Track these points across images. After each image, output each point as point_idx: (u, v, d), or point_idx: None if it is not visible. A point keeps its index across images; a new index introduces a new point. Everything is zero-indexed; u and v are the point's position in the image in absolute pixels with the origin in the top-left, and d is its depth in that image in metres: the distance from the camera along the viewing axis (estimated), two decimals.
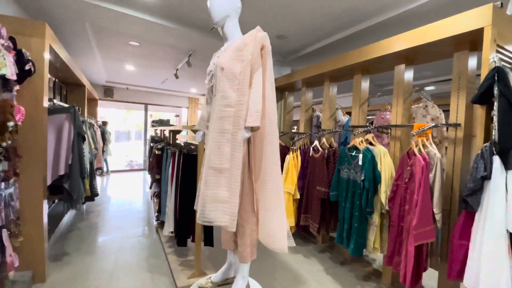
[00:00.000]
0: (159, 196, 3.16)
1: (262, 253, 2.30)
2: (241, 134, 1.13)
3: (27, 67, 1.61)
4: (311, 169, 2.63)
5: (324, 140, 2.60)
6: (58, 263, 2.29)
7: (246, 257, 1.29)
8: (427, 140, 1.74)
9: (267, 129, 1.15)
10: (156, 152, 3.14)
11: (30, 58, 1.68)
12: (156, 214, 3.19)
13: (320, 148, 2.54)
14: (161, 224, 2.82)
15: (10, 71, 1.37)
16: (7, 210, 1.48)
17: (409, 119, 2.14)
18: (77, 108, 2.47)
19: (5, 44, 1.43)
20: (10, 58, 1.43)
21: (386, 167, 1.97)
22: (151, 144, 4.79)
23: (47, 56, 1.96)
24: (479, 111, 1.50)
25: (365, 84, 2.47)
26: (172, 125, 5.49)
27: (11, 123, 1.35)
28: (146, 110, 7.32)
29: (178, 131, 3.20)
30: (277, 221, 1.16)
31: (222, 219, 1.10)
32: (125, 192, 5.02)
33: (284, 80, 3.39)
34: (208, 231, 2.16)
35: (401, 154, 1.95)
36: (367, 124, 2.49)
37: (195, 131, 1.74)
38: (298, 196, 2.69)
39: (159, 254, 2.54)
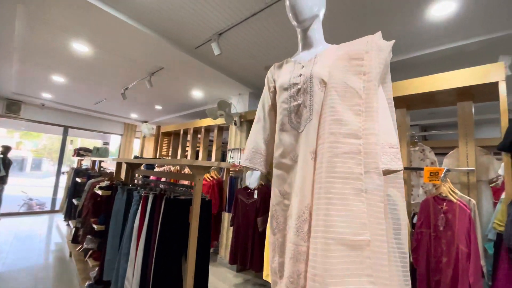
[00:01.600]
0: (99, 255, 2.23)
1: None
2: (379, 181, 0.74)
3: None
4: None
5: None
6: None
7: None
8: (443, 184, 1.71)
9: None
10: (100, 192, 2.29)
11: None
12: (91, 283, 2.20)
13: None
14: None
15: None
16: None
17: (408, 162, 2.16)
18: None
19: None
20: None
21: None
22: (77, 180, 3.64)
23: None
24: (505, 159, 1.55)
25: None
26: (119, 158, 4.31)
27: None
28: (65, 134, 5.79)
29: (138, 165, 2.45)
30: None
31: None
32: (20, 249, 3.50)
33: None
34: None
35: (422, 199, 1.87)
36: None
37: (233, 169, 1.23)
38: None
39: None
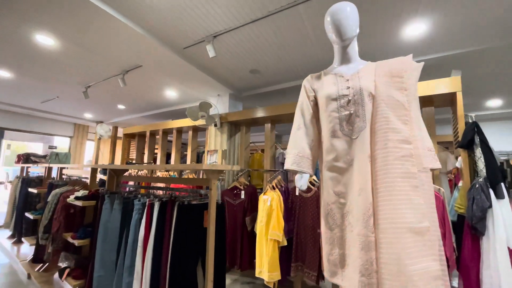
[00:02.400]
0: (80, 273, 2.02)
1: None
2: (429, 178, 0.91)
3: None
4: (301, 210, 2.49)
5: (314, 178, 2.56)
6: None
7: None
8: None
9: None
10: (80, 203, 2.06)
11: None
12: None
13: (312, 187, 2.47)
14: None
15: None
16: None
17: None
18: None
19: None
20: None
21: None
22: (31, 190, 3.16)
23: None
24: (463, 154, 1.93)
25: None
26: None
27: None
28: (0, 137, 4.89)
29: (124, 171, 2.27)
30: None
31: None
32: None
33: (243, 115, 3.23)
34: None
35: None
36: None
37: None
38: (285, 243, 2.43)
39: None
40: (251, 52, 2.47)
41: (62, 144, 6.49)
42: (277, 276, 2.36)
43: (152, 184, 2.89)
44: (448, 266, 1.73)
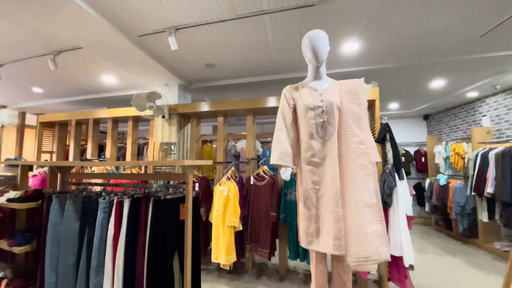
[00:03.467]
0: (22, 283, 1.79)
1: None
2: (375, 169, 1.22)
3: None
4: (255, 197, 2.76)
5: (265, 168, 2.85)
6: None
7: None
8: None
9: None
10: (17, 206, 1.78)
11: None
12: None
13: (266, 176, 2.76)
14: None
15: None
16: None
17: None
18: None
19: None
20: None
21: None
22: None
23: None
24: (378, 147, 2.53)
25: None
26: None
27: None
28: None
29: (70, 168, 2.01)
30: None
31: (385, 252, 1.11)
32: None
33: (194, 108, 3.25)
34: None
35: None
36: None
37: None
38: (241, 228, 2.67)
39: None
40: (211, 48, 2.52)
41: None
42: (233, 258, 2.60)
43: (93, 181, 2.62)
44: None
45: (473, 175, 3.48)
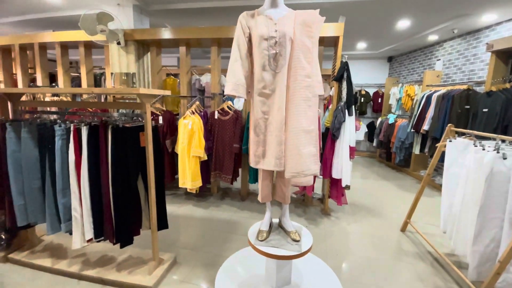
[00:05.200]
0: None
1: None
2: (317, 101, 1.34)
3: None
4: (220, 131, 2.90)
5: (229, 103, 2.92)
6: None
7: (289, 199, 1.62)
8: None
9: None
10: None
11: None
12: None
13: (230, 111, 2.85)
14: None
15: None
16: None
17: None
18: None
19: None
20: None
21: None
22: None
23: None
24: (335, 85, 2.69)
25: None
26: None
27: None
28: None
29: (20, 95, 1.88)
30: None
31: (315, 168, 1.34)
32: None
33: (152, 34, 2.99)
34: (163, 213, 1.91)
35: None
36: None
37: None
38: (206, 158, 2.88)
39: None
40: None
41: None
42: (199, 183, 2.88)
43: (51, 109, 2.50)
44: None
45: (415, 114, 3.93)
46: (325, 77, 4.32)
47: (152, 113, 3.06)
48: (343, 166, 2.63)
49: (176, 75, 4.11)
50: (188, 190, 2.89)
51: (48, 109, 3.01)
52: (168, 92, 1.80)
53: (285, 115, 1.36)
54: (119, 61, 3.21)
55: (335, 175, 2.68)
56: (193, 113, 2.90)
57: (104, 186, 1.67)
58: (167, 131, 3.10)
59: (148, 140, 1.67)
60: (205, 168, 3.00)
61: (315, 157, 1.37)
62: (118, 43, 3.06)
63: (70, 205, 1.69)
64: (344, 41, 4.50)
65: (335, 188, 2.75)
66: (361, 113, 6.00)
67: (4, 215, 1.82)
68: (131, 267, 1.86)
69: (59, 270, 1.80)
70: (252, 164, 1.49)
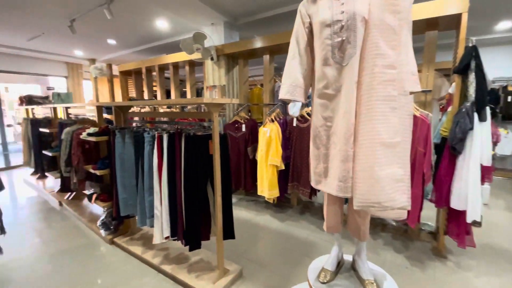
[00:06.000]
0: (106, 197, 2.34)
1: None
2: (408, 101, 0.99)
3: None
4: (297, 139, 2.68)
5: (309, 110, 2.67)
6: None
7: (367, 235, 1.23)
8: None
9: None
10: (93, 139, 2.23)
11: None
12: (104, 221, 2.36)
13: (309, 118, 2.60)
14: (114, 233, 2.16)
15: None
16: None
17: None
18: None
19: None
20: None
21: None
22: (43, 130, 3.32)
23: None
24: (457, 80, 1.96)
25: None
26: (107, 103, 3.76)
27: None
28: None
29: (129, 107, 2.36)
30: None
31: (402, 199, 0.96)
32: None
33: (239, 46, 3.10)
34: (229, 223, 1.86)
35: None
36: None
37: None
38: (283, 167, 2.70)
39: (145, 271, 1.97)
40: None
41: (58, 85, 6.39)
42: (276, 193, 2.73)
43: (158, 119, 3.02)
44: (424, 180, 1.99)
45: None
46: (446, 72, 3.33)
47: (236, 121, 3.18)
48: (468, 193, 1.85)
49: (263, 85, 4.18)
50: (266, 199, 2.80)
51: (159, 119, 3.63)
52: (236, 101, 1.76)
53: (355, 121, 1.00)
54: (213, 75, 3.54)
55: (455, 205, 1.93)
56: (273, 120, 2.81)
57: (178, 188, 1.78)
58: (249, 138, 3.13)
59: (215, 148, 1.66)
60: (283, 177, 2.82)
61: (402, 182, 0.94)
62: (212, 59, 3.37)
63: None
64: (476, 22, 3.35)
65: (455, 223, 1.98)
66: (507, 118, 4.32)
67: (112, 205, 2.24)
68: (200, 270, 1.89)
69: (144, 259, 2.03)
70: (313, 183, 1.19)
